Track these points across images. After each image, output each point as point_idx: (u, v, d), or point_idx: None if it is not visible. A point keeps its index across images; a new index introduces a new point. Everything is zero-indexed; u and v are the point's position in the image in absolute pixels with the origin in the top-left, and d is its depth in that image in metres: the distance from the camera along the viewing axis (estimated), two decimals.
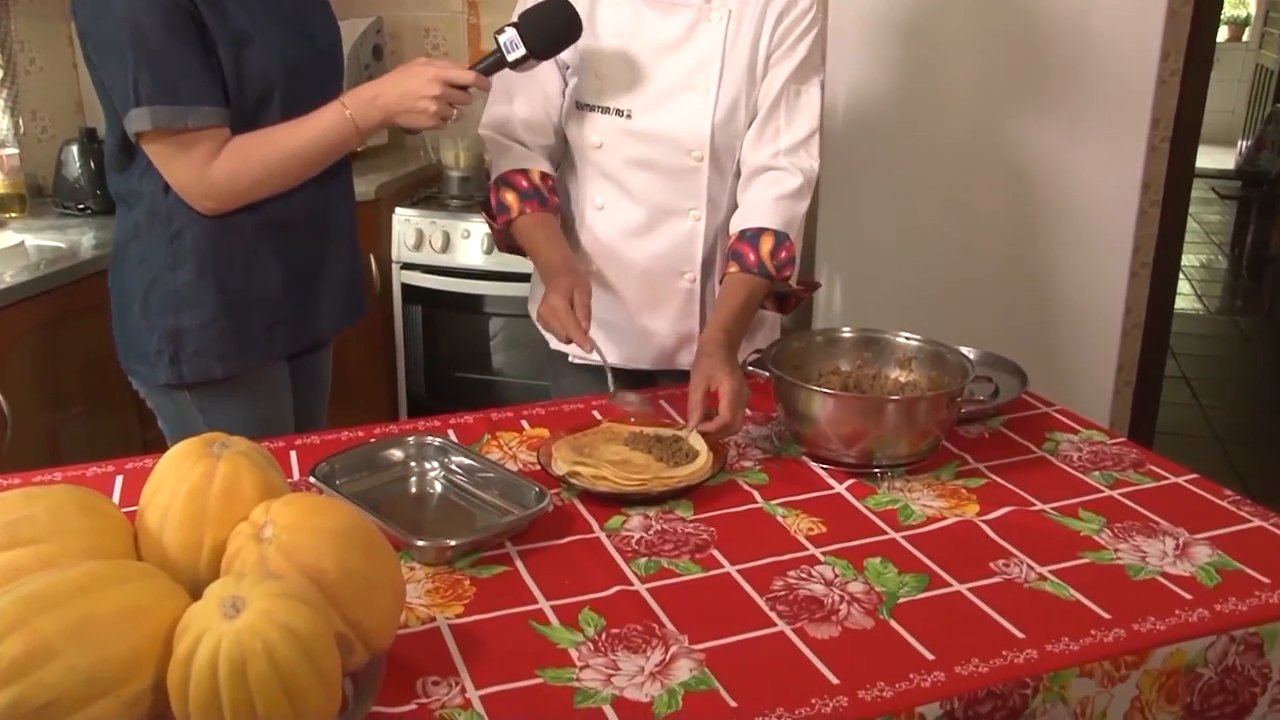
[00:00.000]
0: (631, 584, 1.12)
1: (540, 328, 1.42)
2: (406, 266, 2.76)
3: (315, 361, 1.64)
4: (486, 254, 2.69)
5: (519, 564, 1.16)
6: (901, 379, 1.47)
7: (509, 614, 1.07)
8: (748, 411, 1.51)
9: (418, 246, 2.72)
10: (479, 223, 2.72)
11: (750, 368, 1.42)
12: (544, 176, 1.53)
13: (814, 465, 1.39)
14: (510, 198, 1.52)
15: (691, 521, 1.26)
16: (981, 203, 2.51)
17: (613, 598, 1.10)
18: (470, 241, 2.71)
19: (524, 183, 1.51)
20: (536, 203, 1.51)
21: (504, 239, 1.59)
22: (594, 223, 1.58)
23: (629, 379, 1.58)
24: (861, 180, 2.50)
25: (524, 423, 1.51)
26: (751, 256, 1.49)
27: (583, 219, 1.59)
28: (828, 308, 2.61)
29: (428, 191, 2.88)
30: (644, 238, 1.57)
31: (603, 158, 1.53)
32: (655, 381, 1.56)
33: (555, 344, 1.47)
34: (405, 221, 2.73)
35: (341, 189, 1.56)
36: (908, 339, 1.48)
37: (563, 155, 1.57)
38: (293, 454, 1.38)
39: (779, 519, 1.26)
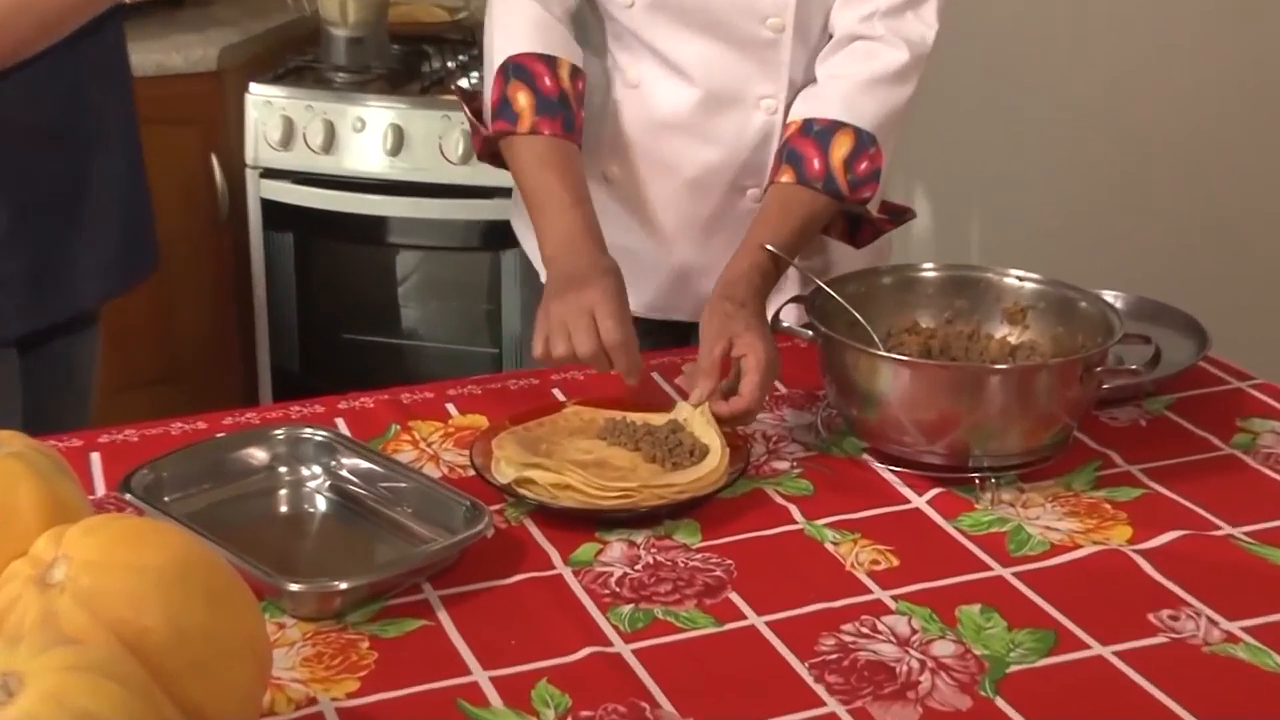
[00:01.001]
0: (610, 644, 1.15)
1: (534, 341, 1.43)
2: (269, 174, 2.78)
3: (69, 349, 1.65)
4: (393, 155, 2.71)
5: (442, 616, 1.18)
6: (1012, 339, 1.50)
7: (428, 691, 1.08)
8: (779, 388, 1.54)
9: (286, 143, 2.74)
10: (380, 106, 2.73)
11: (784, 323, 1.45)
12: (576, 75, 1.54)
13: (880, 468, 1.42)
14: (524, 101, 1.53)
15: (699, 551, 1.29)
16: (1148, 90, 2.52)
17: (583, 665, 1.11)
18: (366, 136, 2.73)
19: (548, 82, 1.53)
20: (561, 122, 1.53)
21: (489, 151, 1.62)
22: (623, 106, 1.61)
23: (655, 336, 1.61)
24: (972, 56, 2.53)
25: (450, 407, 1.54)
26: (816, 163, 1.51)
27: (607, 99, 1.61)
28: (908, 237, 2.64)
29: (300, 60, 2.89)
30: (695, 134, 1.60)
31: (638, 18, 1.55)
32: (691, 341, 1.58)
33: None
34: (265, 106, 2.74)
35: (105, 64, 1.54)
36: (1021, 280, 1.51)
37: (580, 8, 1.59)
38: (94, 456, 1.39)
39: (828, 547, 1.29)
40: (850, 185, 1.52)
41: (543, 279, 1.52)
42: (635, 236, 1.65)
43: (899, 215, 1.66)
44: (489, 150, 1.62)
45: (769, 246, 1.48)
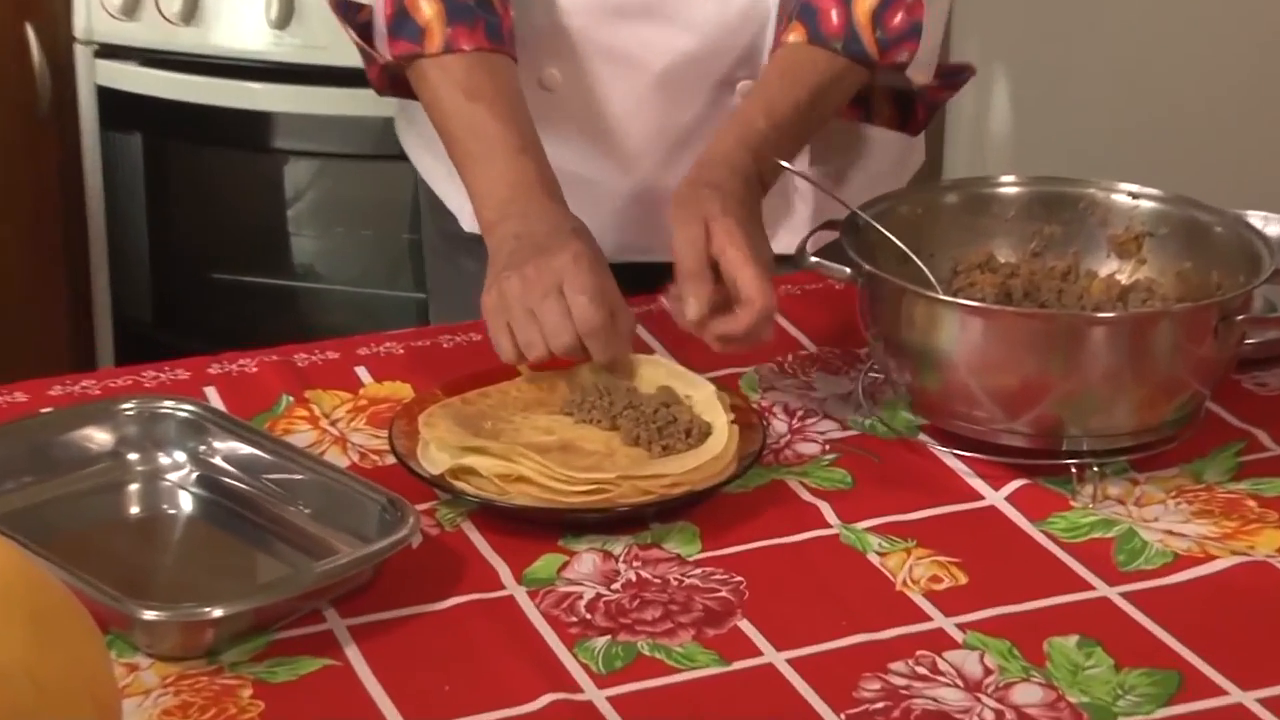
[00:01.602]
0: (578, 690, 1.15)
1: (494, 337, 1.45)
2: (107, 53, 2.78)
3: None
4: (279, 28, 2.69)
5: (352, 653, 1.19)
6: (1123, 277, 1.51)
7: None
8: (803, 343, 1.58)
9: (131, 11, 2.72)
10: None
11: (810, 258, 1.47)
12: None
13: (942, 453, 1.45)
14: (428, 8, 1.55)
15: (697, 564, 1.30)
16: None
17: (542, 718, 1.12)
18: (243, 1, 2.71)
19: None
20: (484, 29, 1.55)
21: (390, 80, 1.65)
22: None
23: (625, 281, 1.59)
24: None
25: (362, 372, 1.57)
26: (835, 15, 1.53)
27: None
28: (978, 137, 2.64)
29: None
30: (663, 14, 1.63)
31: None
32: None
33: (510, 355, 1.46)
34: None
35: None
36: (1135, 197, 1.53)
37: None
38: None
39: (872, 560, 1.31)
40: (880, 45, 1.54)
41: (464, 226, 1.56)
42: (589, 159, 1.68)
43: (955, 77, 1.70)
44: (391, 80, 1.64)
45: (764, 122, 1.50)
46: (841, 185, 1.72)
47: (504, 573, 1.30)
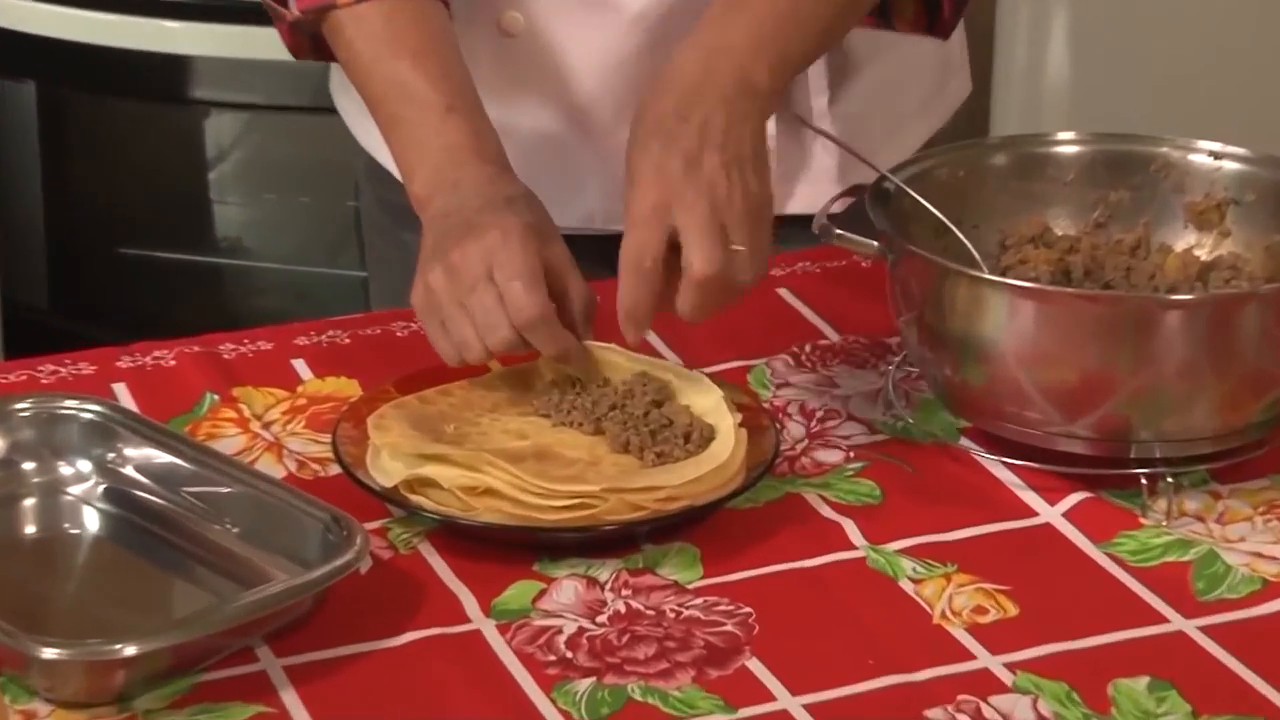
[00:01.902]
0: None
1: (432, 340, 1.44)
2: None
3: None
4: None
5: (289, 699, 1.19)
6: (1201, 253, 1.51)
7: None
8: (824, 332, 1.56)
9: None
10: None
11: (836, 232, 1.46)
12: None
13: (988, 461, 1.45)
14: None
15: (699, 593, 1.31)
16: None
17: None
18: None
19: None
20: None
21: (306, 42, 1.64)
22: None
23: (606, 254, 1.57)
24: None
25: (300, 365, 1.58)
26: None
27: None
28: (1031, 78, 2.63)
29: None
30: None
31: None
32: None
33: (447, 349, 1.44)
34: None
35: None
36: (1217, 157, 1.53)
37: None
38: None
39: (905, 587, 1.32)
40: None
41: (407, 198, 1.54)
42: (558, 116, 1.69)
43: None
44: (306, 40, 1.64)
45: (745, 27, 1.48)
46: (867, 126, 1.74)
47: (469, 603, 1.30)
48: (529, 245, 1.40)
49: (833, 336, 1.62)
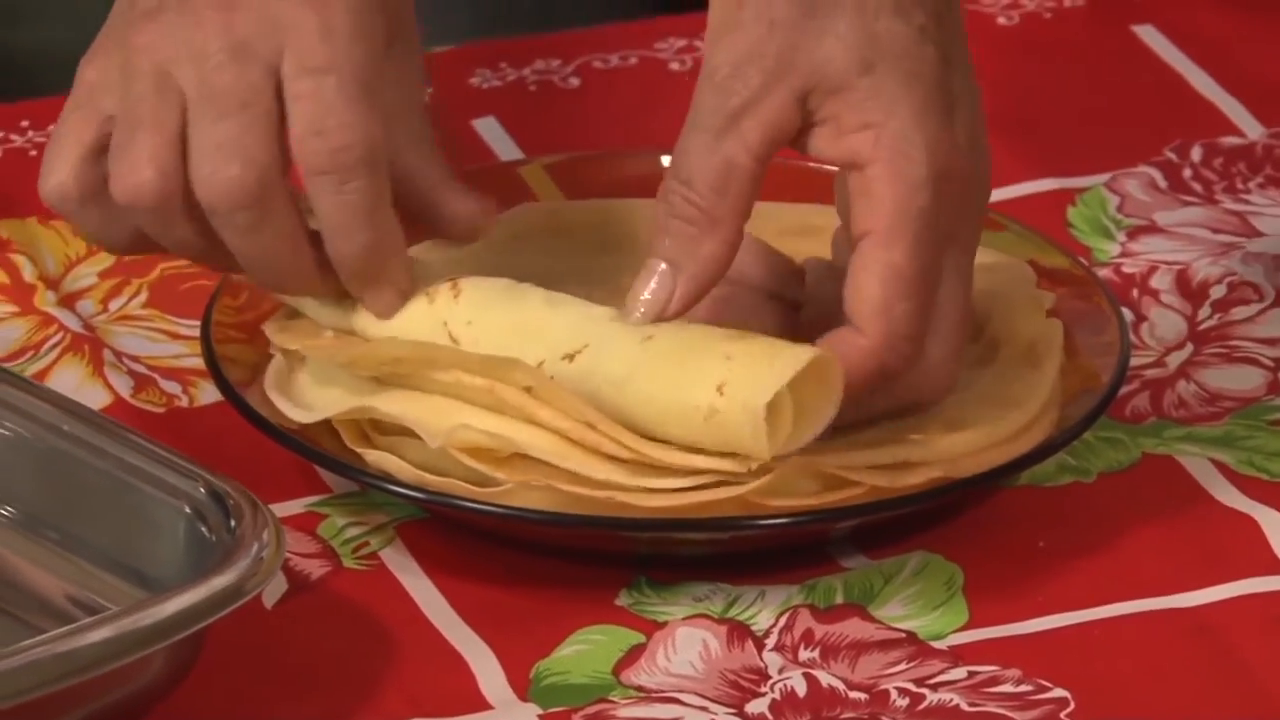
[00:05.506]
0: None
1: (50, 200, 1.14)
2: None
3: None
4: None
5: None
6: None
7: None
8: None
9: None
10: None
11: None
12: None
13: None
14: None
15: (956, 654, 0.98)
16: None
17: None
18: None
19: None
20: None
21: None
22: None
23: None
24: None
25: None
26: None
27: None
28: None
29: None
30: None
31: None
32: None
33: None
34: None
35: None
36: None
37: None
38: None
39: None
40: None
41: None
42: None
43: None
44: None
45: None
46: None
47: (487, 670, 0.93)
48: (325, 52, 1.03)
49: (1251, 128, 1.27)
